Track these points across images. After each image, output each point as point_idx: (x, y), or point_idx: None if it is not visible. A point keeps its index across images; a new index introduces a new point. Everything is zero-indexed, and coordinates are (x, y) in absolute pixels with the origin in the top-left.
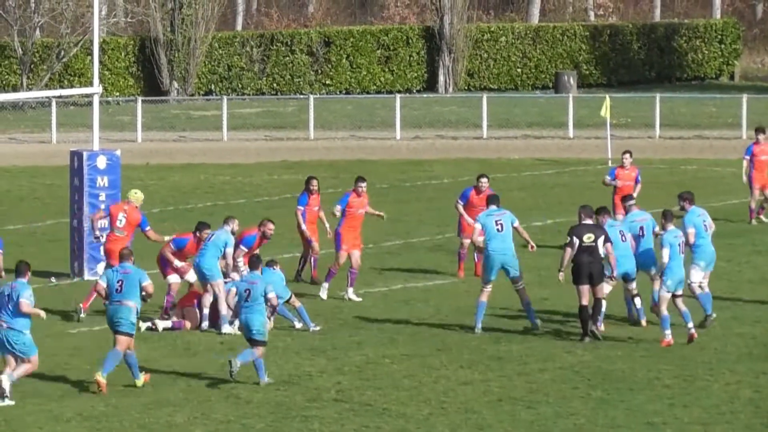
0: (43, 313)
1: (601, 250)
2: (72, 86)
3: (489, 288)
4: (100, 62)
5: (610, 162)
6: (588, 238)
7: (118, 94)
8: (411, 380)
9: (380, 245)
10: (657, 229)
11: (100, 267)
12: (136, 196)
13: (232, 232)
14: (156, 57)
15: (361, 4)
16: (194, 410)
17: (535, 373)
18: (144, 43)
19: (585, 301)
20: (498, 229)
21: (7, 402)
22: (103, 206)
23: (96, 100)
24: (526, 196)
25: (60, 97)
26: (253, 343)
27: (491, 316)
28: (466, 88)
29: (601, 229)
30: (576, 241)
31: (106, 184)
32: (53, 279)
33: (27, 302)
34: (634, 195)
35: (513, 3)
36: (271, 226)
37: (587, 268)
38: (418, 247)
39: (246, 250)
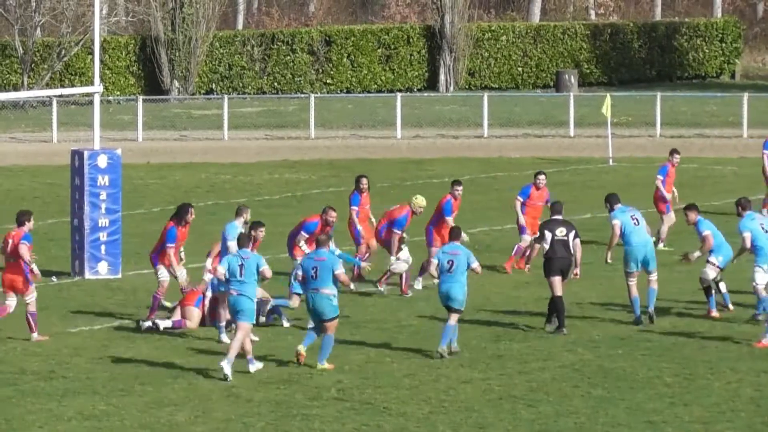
0: None
1: (572, 245)
2: (73, 85)
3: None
4: (101, 61)
5: (611, 160)
6: (560, 232)
7: (119, 93)
8: (411, 379)
9: None
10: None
11: (102, 266)
12: None
13: (245, 222)
14: (157, 56)
15: (362, 4)
16: (195, 409)
17: (535, 372)
18: (145, 42)
19: (558, 293)
20: (635, 224)
21: None
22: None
23: (97, 99)
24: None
25: (61, 96)
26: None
27: (492, 313)
28: (467, 87)
29: (571, 225)
30: (549, 235)
31: (107, 183)
32: (54, 278)
33: None
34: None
35: (514, 2)
36: (333, 213)
37: (558, 262)
38: (419, 245)
39: (307, 236)
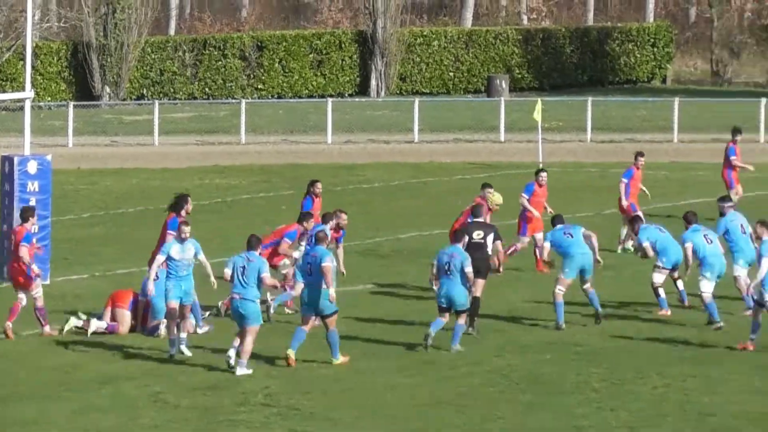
0: None
1: (490, 247)
2: (4, 91)
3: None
4: (33, 67)
5: (541, 166)
6: (477, 235)
7: (50, 98)
8: (340, 384)
9: None
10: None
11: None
12: None
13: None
14: (88, 62)
15: (295, 9)
16: (121, 416)
17: (464, 377)
18: (77, 47)
19: (478, 293)
20: (569, 238)
21: None
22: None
23: (28, 105)
24: (458, 200)
25: None
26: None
27: (423, 320)
28: (398, 92)
29: (490, 227)
30: (466, 238)
31: (37, 189)
32: None
33: None
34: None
35: (446, 7)
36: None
37: (476, 263)
38: (349, 251)
39: (290, 243)
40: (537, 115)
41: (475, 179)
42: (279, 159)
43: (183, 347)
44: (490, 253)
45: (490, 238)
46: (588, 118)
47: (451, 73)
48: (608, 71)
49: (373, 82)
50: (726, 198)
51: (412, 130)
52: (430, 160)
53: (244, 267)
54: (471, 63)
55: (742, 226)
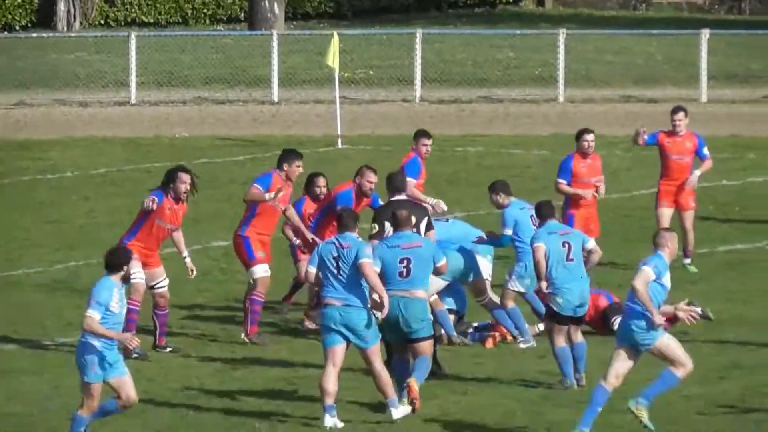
0: None
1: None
2: None
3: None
4: None
5: (339, 141)
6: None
7: None
8: None
9: None
10: None
11: None
12: None
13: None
14: None
15: None
16: None
17: None
18: None
19: None
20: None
21: None
22: None
23: None
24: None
25: None
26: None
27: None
28: (102, 22)
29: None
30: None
31: None
32: None
33: None
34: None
35: None
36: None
37: None
38: None
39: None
40: (333, 61)
41: (228, 164)
42: None
43: None
44: None
45: (423, 223)
46: (417, 64)
47: None
48: None
49: (62, 6)
50: None
51: (126, 84)
52: (157, 133)
53: (338, 257)
54: None
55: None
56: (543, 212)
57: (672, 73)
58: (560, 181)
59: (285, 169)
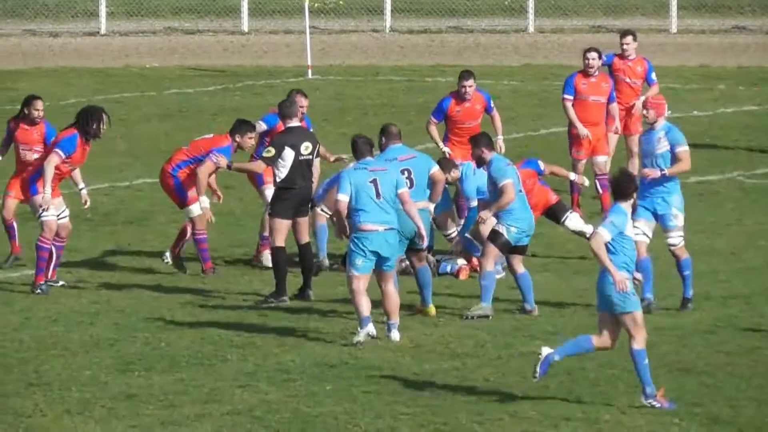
0: None
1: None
2: None
3: None
4: None
5: (309, 71)
6: (306, 148)
7: None
8: None
9: None
10: None
11: None
12: None
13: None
14: None
15: None
16: None
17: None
18: None
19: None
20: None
21: None
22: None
23: None
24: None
25: None
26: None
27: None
28: None
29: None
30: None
31: None
32: None
33: None
34: None
35: None
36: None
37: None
38: None
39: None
40: None
41: (199, 94)
42: None
43: None
44: None
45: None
46: None
47: None
48: None
49: None
50: None
51: (96, 14)
52: (126, 63)
53: (374, 181)
54: None
55: None
56: (482, 142)
57: (642, 2)
58: (565, 96)
59: (237, 140)
